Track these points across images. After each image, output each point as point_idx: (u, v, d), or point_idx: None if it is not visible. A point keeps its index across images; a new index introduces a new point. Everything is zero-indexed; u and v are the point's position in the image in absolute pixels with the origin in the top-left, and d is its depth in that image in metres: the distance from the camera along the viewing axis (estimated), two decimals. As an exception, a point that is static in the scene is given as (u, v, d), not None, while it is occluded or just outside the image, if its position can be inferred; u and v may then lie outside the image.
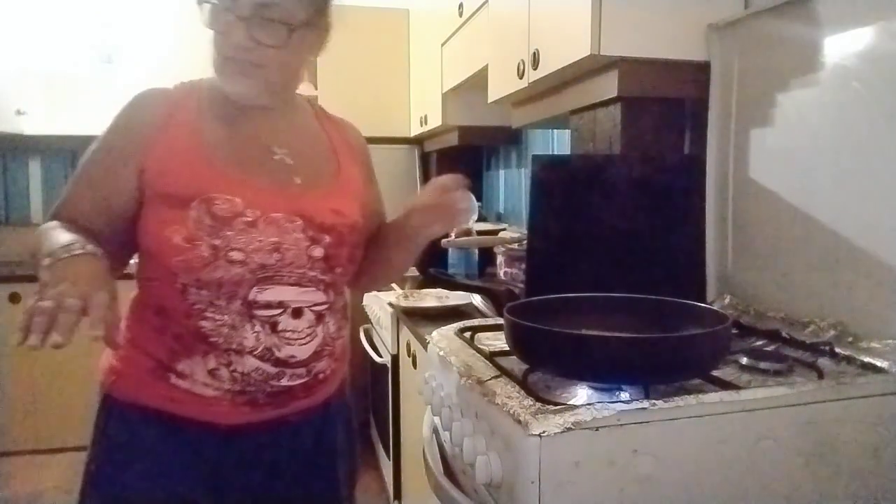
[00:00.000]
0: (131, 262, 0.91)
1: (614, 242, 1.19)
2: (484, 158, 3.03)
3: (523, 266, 1.64)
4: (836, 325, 0.93)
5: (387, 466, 2.17)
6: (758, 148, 1.09)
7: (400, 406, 1.95)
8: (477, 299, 1.64)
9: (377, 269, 1.07)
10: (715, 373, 0.78)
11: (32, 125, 2.83)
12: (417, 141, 3.17)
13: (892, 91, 0.85)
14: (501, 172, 2.81)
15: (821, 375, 0.78)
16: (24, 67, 2.76)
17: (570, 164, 1.33)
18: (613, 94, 1.19)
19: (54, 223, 0.82)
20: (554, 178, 1.21)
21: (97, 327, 0.63)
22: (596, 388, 0.77)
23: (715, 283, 1.18)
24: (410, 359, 1.69)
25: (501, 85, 1.65)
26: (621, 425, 0.64)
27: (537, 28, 1.41)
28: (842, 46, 0.92)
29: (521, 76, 1.48)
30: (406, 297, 1.81)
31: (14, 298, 2.59)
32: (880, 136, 0.87)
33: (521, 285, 1.64)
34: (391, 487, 2.09)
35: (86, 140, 0.88)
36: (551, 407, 0.67)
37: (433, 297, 1.76)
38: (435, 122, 2.55)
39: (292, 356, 0.86)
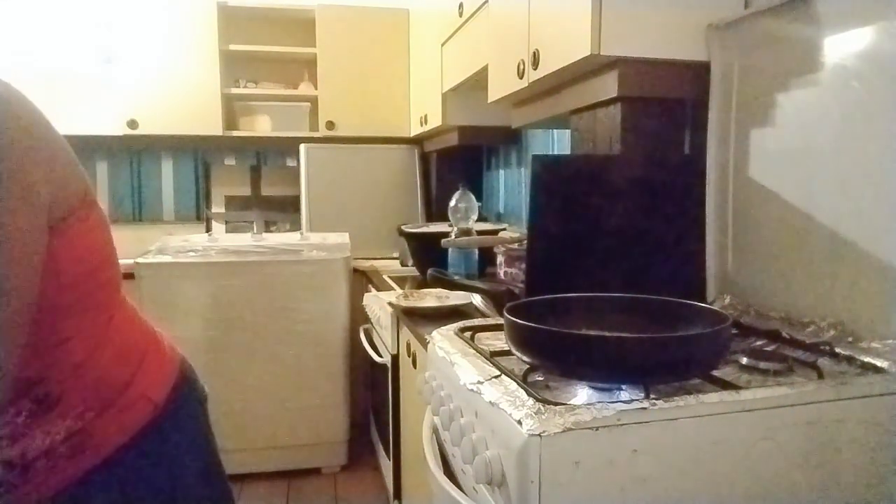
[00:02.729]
0: None
1: (614, 242, 1.20)
2: (484, 158, 3.04)
3: (523, 266, 1.64)
4: (836, 325, 0.93)
5: (387, 466, 2.17)
6: (758, 148, 1.09)
7: (400, 406, 1.95)
8: (477, 299, 1.64)
9: None
10: (715, 373, 0.78)
11: (32, 125, 2.84)
12: (417, 141, 3.17)
13: (892, 91, 0.85)
14: (501, 172, 2.81)
15: (821, 375, 0.78)
16: (24, 67, 2.76)
17: (570, 164, 1.33)
18: (613, 94, 1.19)
19: None
20: (554, 178, 1.21)
21: None
22: (596, 388, 0.77)
23: (715, 283, 1.18)
24: (410, 359, 1.69)
25: (501, 85, 1.65)
26: (621, 425, 0.64)
27: (537, 28, 1.41)
28: (842, 46, 0.92)
29: (521, 76, 1.48)
30: (406, 297, 1.81)
31: None
32: (880, 136, 0.87)
33: (521, 285, 1.64)
34: (391, 487, 2.09)
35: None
36: (551, 407, 0.67)
37: (433, 297, 1.75)
38: (435, 122, 2.55)
39: None
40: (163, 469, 0.83)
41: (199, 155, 3.31)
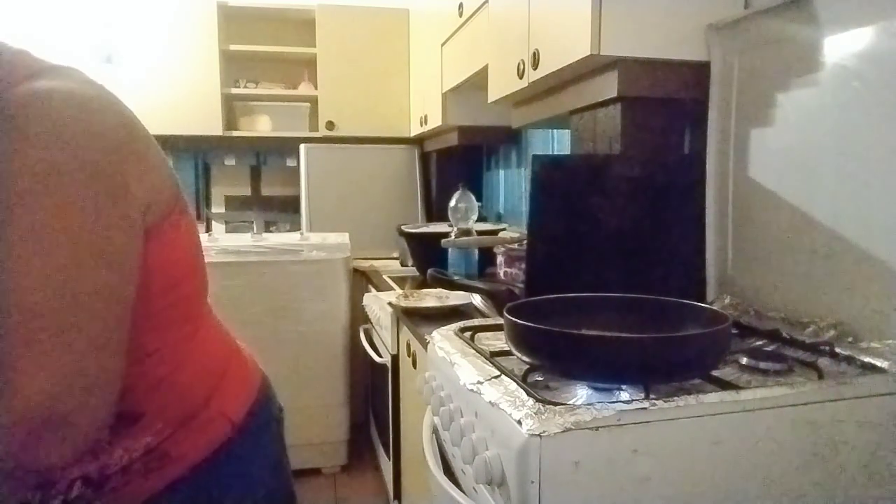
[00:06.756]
0: None
1: (614, 242, 1.20)
2: (484, 158, 3.03)
3: (523, 266, 1.64)
4: (836, 325, 0.93)
5: (387, 466, 2.17)
6: (758, 148, 1.09)
7: (400, 406, 1.95)
8: (477, 299, 1.64)
9: None
10: (715, 373, 0.78)
11: (32, 125, 2.84)
12: (417, 141, 3.17)
13: (892, 91, 0.85)
14: (501, 172, 2.81)
15: (821, 375, 0.78)
16: (24, 67, 2.75)
17: (570, 164, 1.33)
18: (613, 94, 1.19)
19: None
20: (554, 178, 1.21)
21: None
22: (596, 388, 0.77)
23: (715, 283, 1.18)
24: (410, 359, 1.69)
25: (501, 85, 1.65)
26: (621, 425, 0.64)
27: (537, 28, 1.41)
28: (842, 46, 0.92)
29: (521, 76, 1.48)
30: (406, 297, 1.81)
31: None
32: (880, 136, 0.87)
33: (521, 285, 1.64)
34: (391, 487, 2.09)
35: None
36: (551, 407, 0.67)
37: (433, 297, 1.76)
38: (435, 122, 2.55)
39: None
40: (235, 489, 0.81)
41: (199, 155, 3.31)
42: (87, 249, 0.59)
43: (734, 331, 0.92)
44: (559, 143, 2.21)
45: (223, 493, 0.80)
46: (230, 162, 3.36)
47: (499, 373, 0.81)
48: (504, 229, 2.44)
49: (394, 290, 2.11)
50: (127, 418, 0.71)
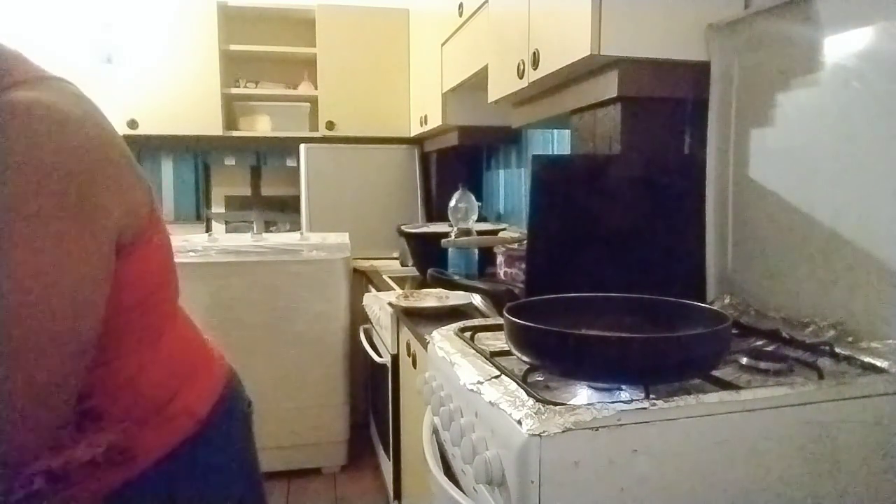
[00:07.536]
0: None
1: (614, 242, 1.20)
2: (484, 158, 3.03)
3: (523, 266, 1.64)
4: (836, 325, 0.93)
5: (387, 466, 2.17)
6: (758, 148, 1.09)
7: (400, 406, 1.95)
8: (477, 299, 1.64)
9: None
10: (715, 373, 0.78)
11: (32, 125, 2.83)
12: (417, 141, 3.17)
13: (892, 91, 0.85)
14: (501, 172, 2.81)
15: (821, 375, 0.78)
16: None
17: (570, 164, 1.33)
18: (613, 94, 1.19)
19: None
20: (554, 178, 1.21)
21: None
22: (596, 388, 0.77)
23: (715, 283, 1.18)
24: (410, 359, 1.69)
25: (501, 85, 1.65)
26: (621, 425, 0.64)
27: (537, 28, 1.41)
28: (842, 46, 0.92)
29: (521, 76, 1.48)
30: (406, 297, 1.81)
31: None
32: (880, 136, 0.87)
33: (521, 285, 1.64)
34: (391, 487, 2.09)
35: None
36: (551, 407, 0.67)
37: (433, 297, 1.75)
38: (435, 122, 2.55)
39: None
40: (201, 481, 0.82)
41: (199, 155, 3.31)
42: (52, 293, 0.58)
43: (734, 331, 0.92)
44: (559, 143, 2.21)
45: (188, 486, 0.80)
46: (230, 162, 3.36)
47: (499, 373, 0.81)
48: (504, 229, 2.44)
49: (394, 290, 2.11)
50: (91, 416, 0.72)
